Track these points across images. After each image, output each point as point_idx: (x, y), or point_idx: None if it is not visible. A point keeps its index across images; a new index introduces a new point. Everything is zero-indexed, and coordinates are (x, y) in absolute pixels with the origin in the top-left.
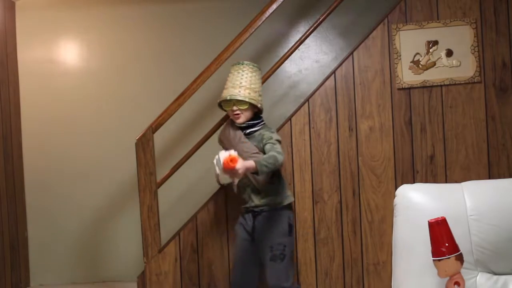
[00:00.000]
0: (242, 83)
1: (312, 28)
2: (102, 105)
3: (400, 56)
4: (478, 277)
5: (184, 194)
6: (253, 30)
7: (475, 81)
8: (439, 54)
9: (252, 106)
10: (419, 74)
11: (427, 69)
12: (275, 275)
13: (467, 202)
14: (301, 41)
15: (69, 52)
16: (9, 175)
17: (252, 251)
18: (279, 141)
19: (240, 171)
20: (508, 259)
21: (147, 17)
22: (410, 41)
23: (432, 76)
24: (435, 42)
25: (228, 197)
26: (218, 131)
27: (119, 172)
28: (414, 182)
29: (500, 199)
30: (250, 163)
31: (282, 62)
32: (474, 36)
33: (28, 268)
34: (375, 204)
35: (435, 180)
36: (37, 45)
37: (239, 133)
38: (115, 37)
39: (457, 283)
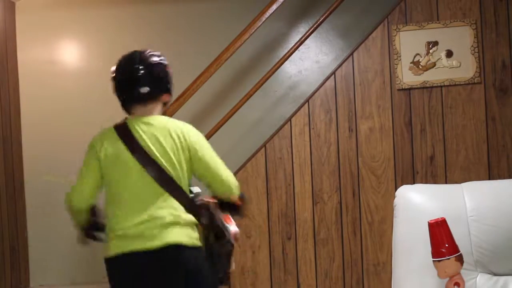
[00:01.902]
0: None
1: (312, 28)
2: (102, 105)
3: (400, 56)
4: (478, 278)
5: None
6: (253, 30)
7: (475, 82)
8: (439, 54)
9: None
10: (419, 74)
11: (427, 69)
12: None
13: (467, 203)
14: (301, 42)
15: (69, 53)
16: (9, 175)
17: None
18: None
19: None
20: (508, 259)
21: (148, 17)
22: (410, 41)
23: (432, 76)
24: (435, 43)
25: None
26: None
27: None
28: (414, 183)
29: (500, 200)
30: None
31: (282, 63)
32: (474, 37)
33: (28, 269)
34: (375, 205)
35: (435, 181)
36: (37, 45)
37: None
38: (115, 38)
39: (457, 283)
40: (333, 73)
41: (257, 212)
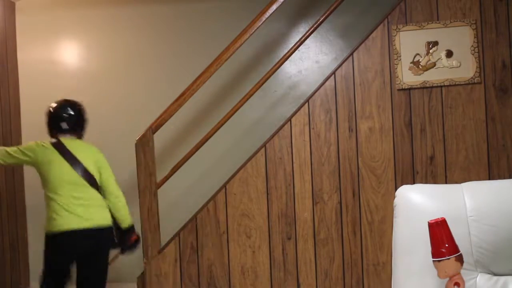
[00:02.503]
0: None
1: (312, 28)
2: (101, 105)
3: (400, 56)
4: (478, 278)
5: (184, 195)
6: (253, 30)
7: (475, 82)
8: (439, 54)
9: None
10: (419, 74)
11: (427, 69)
12: None
13: (467, 203)
14: (301, 42)
15: (69, 53)
16: (9, 175)
17: None
18: None
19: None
20: (508, 259)
21: (147, 17)
22: (410, 41)
23: (432, 76)
24: (435, 43)
25: (228, 198)
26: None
27: (119, 172)
28: (414, 183)
29: (500, 200)
30: None
31: (282, 63)
32: (474, 37)
33: (28, 268)
34: (375, 205)
35: (435, 181)
36: (37, 45)
37: None
38: (115, 38)
39: (457, 283)
40: (333, 73)
41: (257, 212)
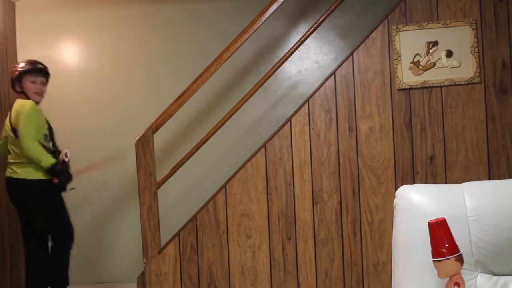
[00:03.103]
0: None
1: (312, 28)
2: (102, 105)
3: (400, 56)
4: (478, 278)
5: (184, 195)
6: (253, 30)
7: (475, 81)
8: (439, 54)
9: None
10: (419, 74)
11: (427, 69)
12: None
13: (467, 203)
14: (301, 42)
15: (69, 52)
16: None
17: None
18: None
19: None
20: (508, 259)
21: (148, 17)
22: (410, 41)
23: (432, 76)
24: (435, 43)
25: (228, 198)
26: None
27: (119, 172)
28: (414, 183)
29: (500, 200)
30: None
31: (282, 63)
32: (474, 37)
33: None
34: (375, 205)
35: (435, 181)
36: (37, 45)
37: None
38: (115, 37)
39: (457, 283)
40: (333, 73)
41: (257, 212)
